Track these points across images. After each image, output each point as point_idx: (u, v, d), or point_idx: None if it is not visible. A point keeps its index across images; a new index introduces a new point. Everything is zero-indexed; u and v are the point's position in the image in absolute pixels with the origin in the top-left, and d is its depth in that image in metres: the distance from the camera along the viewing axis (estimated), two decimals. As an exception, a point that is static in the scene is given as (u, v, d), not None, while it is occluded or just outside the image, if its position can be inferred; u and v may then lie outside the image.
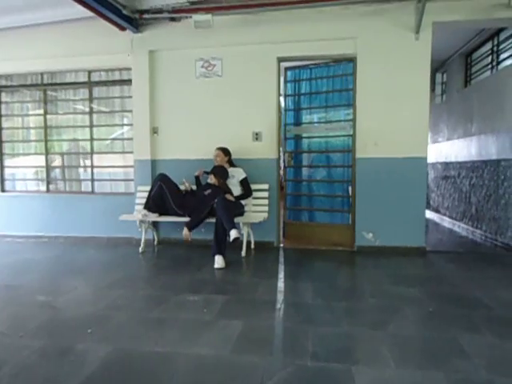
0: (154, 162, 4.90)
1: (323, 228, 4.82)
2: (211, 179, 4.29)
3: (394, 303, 2.77)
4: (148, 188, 4.51)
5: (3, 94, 5.57)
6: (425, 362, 1.95)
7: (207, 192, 4.22)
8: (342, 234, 4.65)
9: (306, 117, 5.07)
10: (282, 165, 5.23)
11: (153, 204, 4.31)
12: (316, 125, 5.02)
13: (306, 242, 4.73)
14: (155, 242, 4.83)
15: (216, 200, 3.89)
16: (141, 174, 4.90)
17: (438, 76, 7.17)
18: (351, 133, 4.55)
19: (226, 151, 4.48)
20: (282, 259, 4.15)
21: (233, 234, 3.66)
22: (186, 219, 4.19)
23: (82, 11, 4.16)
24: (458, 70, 6.25)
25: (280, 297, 2.94)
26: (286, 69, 5.02)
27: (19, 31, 5.04)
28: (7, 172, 5.68)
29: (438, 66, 6.83)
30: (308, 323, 2.43)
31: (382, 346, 2.10)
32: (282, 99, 5.24)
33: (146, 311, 2.70)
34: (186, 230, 3.96)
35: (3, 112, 5.59)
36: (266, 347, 2.12)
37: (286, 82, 5.07)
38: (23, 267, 3.88)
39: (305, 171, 5.14)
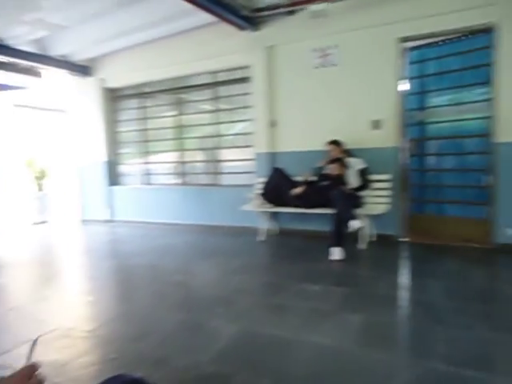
0: (272, 155, 5.08)
1: (453, 222, 4.35)
2: (332, 170, 4.22)
3: (547, 311, 2.37)
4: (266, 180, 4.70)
5: (147, 100, 6.41)
6: None
7: (325, 183, 4.20)
8: (476, 229, 4.13)
9: (432, 100, 4.61)
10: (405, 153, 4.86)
11: (271, 195, 4.47)
12: (445, 108, 4.53)
13: (432, 237, 4.34)
14: (275, 232, 5.02)
15: (334, 192, 3.85)
16: (261, 167, 5.12)
17: None
18: (489, 114, 3.99)
19: (337, 143, 4.37)
20: (405, 254, 3.92)
21: (354, 224, 3.59)
22: (303, 210, 4.25)
23: (203, 18, 4.56)
24: None
25: (404, 293, 2.79)
26: (409, 49, 4.63)
27: (157, 43, 5.71)
28: (151, 167, 6.55)
29: None
30: (437, 323, 2.25)
31: (530, 358, 1.83)
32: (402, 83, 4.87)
33: (267, 297, 2.85)
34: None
35: (148, 115, 6.43)
36: (389, 344, 2.04)
37: (409, 63, 4.68)
38: (164, 250, 4.47)
39: (431, 160, 4.70)
